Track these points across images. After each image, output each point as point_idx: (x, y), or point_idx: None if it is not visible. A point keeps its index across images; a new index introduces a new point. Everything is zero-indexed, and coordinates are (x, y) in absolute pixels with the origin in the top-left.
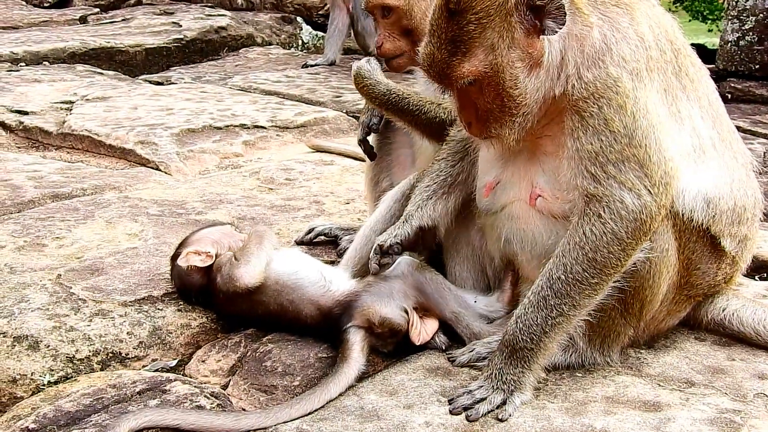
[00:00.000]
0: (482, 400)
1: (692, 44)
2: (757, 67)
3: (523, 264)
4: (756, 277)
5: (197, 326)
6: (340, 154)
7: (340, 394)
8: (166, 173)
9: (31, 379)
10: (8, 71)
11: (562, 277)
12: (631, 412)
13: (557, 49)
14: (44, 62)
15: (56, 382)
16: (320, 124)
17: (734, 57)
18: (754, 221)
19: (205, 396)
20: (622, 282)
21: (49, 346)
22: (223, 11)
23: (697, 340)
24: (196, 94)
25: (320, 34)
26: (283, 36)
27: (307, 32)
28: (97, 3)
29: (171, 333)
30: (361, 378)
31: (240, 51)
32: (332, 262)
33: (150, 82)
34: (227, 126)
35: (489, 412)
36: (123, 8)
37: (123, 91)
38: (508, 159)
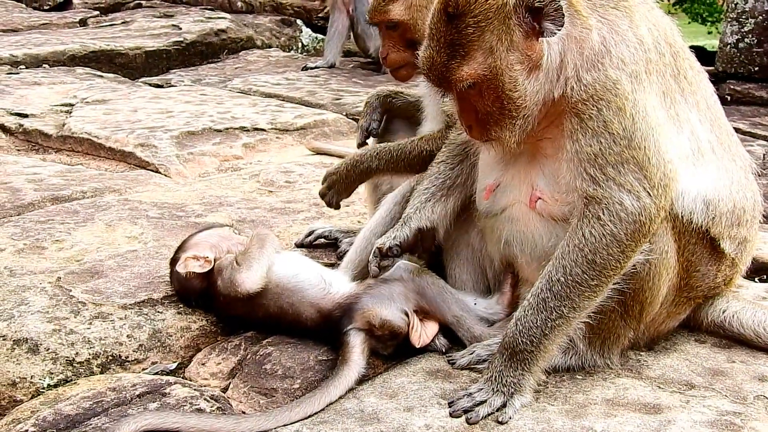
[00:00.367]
0: (482, 402)
1: (691, 46)
2: (756, 69)
3: (523, 266)
4: (756, 279)
5: (197, 329)
6: (340, 156)
7: (340, 397)
8: (165, 176)
9: (31, 383)
10: (8, 74)
11: (562, 279)
12: (631, 415)
13: (556, 52)
14: (44, 65)
15: (56, 386)
16: (320, 126)
17: (733, 59)
18: (754, 223)
19: (205, 399)
20: (621, 284)
21: (48, 349)
22: (223, 14)
23: (697, 342)
24: (195, 97)
25: (320, 36)
26: (282, 39)
27: (306, 35)
28: (97, 6)
29: (171, 336)
30: (361, 381)
31: (240, 54)
32: (332, 265)
33: (150, 84)
34: (227, 128)
35: (489, 415)
36: (123, 11)
37: (123, 93)
38: (508, 162)
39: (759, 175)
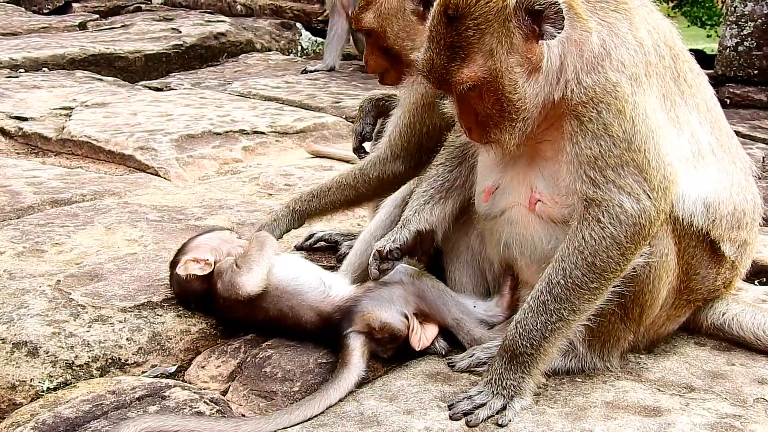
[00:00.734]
0: (482, 405)
1: (691, 49)
2: (755, 72)
3: (523, 268)
4: (755, 282)
5: (197, 332)
6: (339, 159)
7: (340, 400)
8: (165, 179)
9: (31, 386)
10: (8, 77)
11: (562, 281)
12: (631, 417)
13: (556, 54)
14: (44, 68)
15: (55, 389)
16: (319, 129)
17: (733, 62)
18: (754, 226)
19: (204, 402)
20: (621, 287)
21: (48, 352)
22: (222, 17)
23: (697, 344)
24: (195, 100)
25: (319, 39)
26: (282, 42)
27: (306, 38)
28: (97, 9)
29: (170, 339)
30: (361, 383)
31: (239, 57)
32: (332, 268)
33: (149, 88)
34: (226, 132)
35: (489, 418)
36: (122, 14)
37: (122, 97)
38: (507, 164)
39: (759, 178)
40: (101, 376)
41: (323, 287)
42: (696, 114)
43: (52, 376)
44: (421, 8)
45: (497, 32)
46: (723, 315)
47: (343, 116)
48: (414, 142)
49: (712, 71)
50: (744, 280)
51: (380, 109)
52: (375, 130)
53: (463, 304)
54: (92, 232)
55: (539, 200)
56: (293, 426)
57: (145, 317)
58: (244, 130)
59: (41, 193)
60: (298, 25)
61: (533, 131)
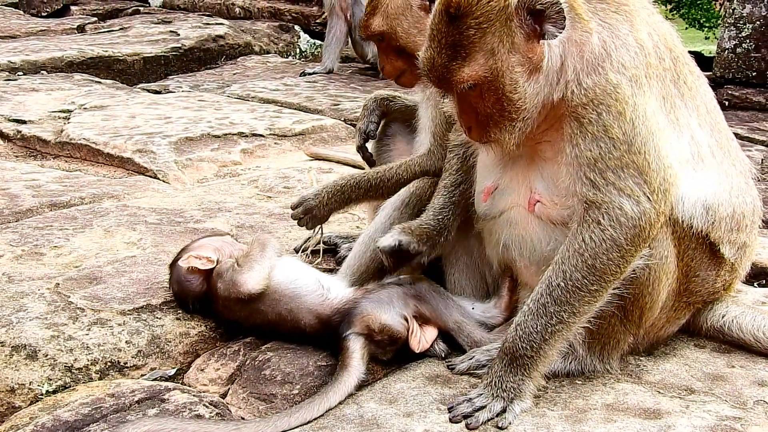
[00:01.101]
0: (482, 408)
1: (689, 52)
2: (754, 74)
3: (522, 270)
4: (755, 284)
5: (196, 335)
6: (338, 161)
7: (340, 403)
8: (164, 182)
9: (30, 389)
10: (6, 80)
11: (562, 284)
12: (631, 420)
13: (557, 55)
14: (42, 71)
15: (55, 392)
16: (318, 132)
17: (731, 64)
18: (753, 228)
19: (204, 405)
20: (621, 289)
21: (47, 355)
22: (220, 20)
23: (697, 347)
24: (194, 103)
25: (318, 42)
26: (281, 44)
27: (305, 40)
28: (95, 12)
29: (170, 342)
30: (361, 386)
31: (238, 59)
32: (331, 271)
33: (148, 90)
34: (225, 134)
35: (489, 420)
36: (121, 17)
37: (121, 99)
38: (507, 164)
39: (758, 180)
40: (100, 379)
41: (322, 290)
42: (696, 116)
43: (51, 380)
44: (427, 2)
45: (498, 31)
46: (723, 317)
47: (342, 119)
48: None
49: (710, 73)
50: (743, 282)
51: (384, 109)
52: (378, 130)
53: (462, 307)
54: (91, 235)
55: (538, 201)
56: (293, 429)
57: (145, 320)
58: (242, 133)
59: (40, 196)
60: (297, 27)
61: (533, 132)
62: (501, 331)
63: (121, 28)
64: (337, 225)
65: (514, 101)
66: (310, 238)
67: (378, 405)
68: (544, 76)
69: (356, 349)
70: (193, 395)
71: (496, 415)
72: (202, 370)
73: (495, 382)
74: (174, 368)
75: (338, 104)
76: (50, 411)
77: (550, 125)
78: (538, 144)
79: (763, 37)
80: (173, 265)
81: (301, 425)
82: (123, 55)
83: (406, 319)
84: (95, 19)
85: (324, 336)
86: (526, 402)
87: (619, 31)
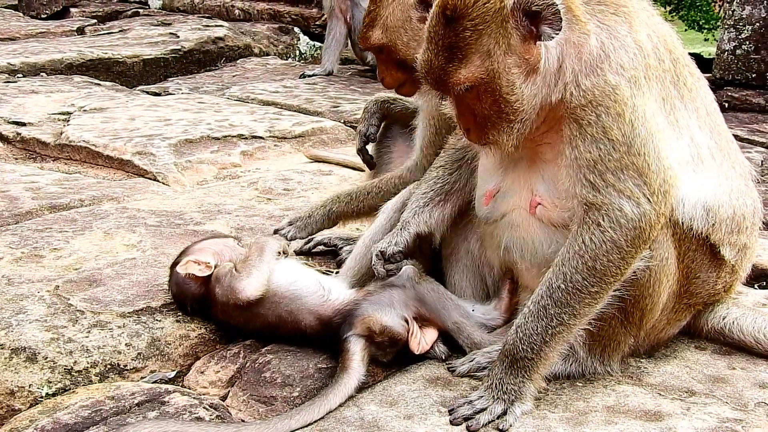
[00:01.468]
0: (483, 410)
1: (689, 53)
2: (753, 75)
3: (523, 272)
4: (755, 286)
5: (196, 337)
6: (338, 164)
7: (340, 405)
8: (164, 184)
9: (29, 392)
10: (5, 82)
11: (562, 286)
12: (632, 422)
13: (554, 56)
14: (42, 73)
15: (54, 395)
16: (318, 134)
17: (731, 66)
18: (754, 230)
19: (204, 407)
20: (622, 291)
21: (47, 357)
22: (220, 22)
23: (698, 349)
24: (193, 105)
25: (317, 44)
26: (280, 46)
27: (304, 42)
28: (95, 14)
29: (169, 344)
30: (361, 388)
31: (237, 61)
32: (331, 272)
33: (147, 92)
34: (225, 136)
35: (490, 423)
36: (120, 19)
37: (120, 101)
38: (508, 167)
39: (758, 182)
40: (100, 381)
41: (322, 291)
42: (695, 118)
43: (50, 382)
44: (427, 14)
45: (495, 33)
46: (723, 319)
47: (342, 121)
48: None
49: (710, 75)
50: (744, 284)
51: (385, 112)
52: (378, 132)
53: (463, 308)
54: (91, 237)
55: (540, 204)
56: (293, 431)
57: (144, 322)
58: (242, 135)
59: (39, 199)
60: (297, 29)
61: (533, 134)
62: (501, 332)
63: (120, 30)
64: (337, 227)
65: (512, 103)
66: (310, 239)
67: (378, 407)
68: (542, 77)
69: (357, 351)
70: (193, 397)
71: (497, 417)
72: (202, 372)
73: (496, 384)
74: (174, 371)
75: (338, 106)
76: (50, 414)
77: (550, 127)
78: (538, 146)
79: (762, 38)
80: (173, 267)
81: (301, 427)
82: (122, 57)
83: (407, 321)
84: (95, 21)
85: (324, 337)
86: (527, 404)
87: (617, 33)
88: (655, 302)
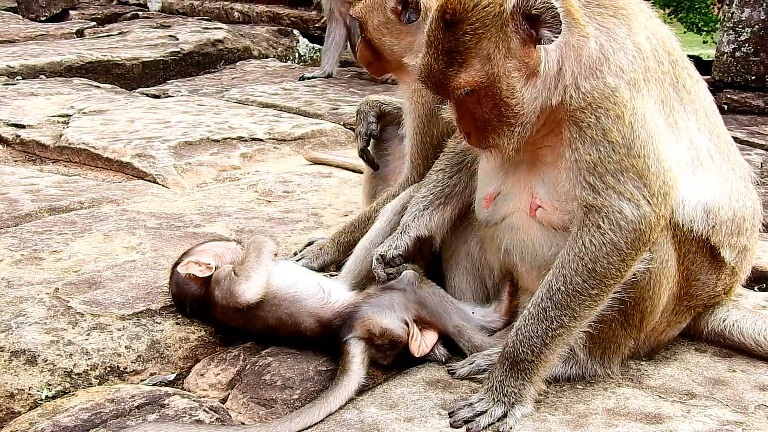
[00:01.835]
0: (483, 412)
1: (688, 56)
2: (753, 78)
3: (523, 275)
4: (755, 288)
5: (196, 339)
6: (337, 166)
7: (340, 408)
8: (163, 186)
9: (29, 394)
10: (5, 85)
11: (562, 288)
12: (632, 425)
13: (554, 59)
14: (41, 76)
15: (54, 397)
16: (318, 136)
17: (730, 68)
18: (754, 232)
19: (204, 410)
20: (622, 293)
21: (46, 360)
22: (219, 24)
23: (698, 351)
24: (193, 107)
25: (317, 46)
26: (279, 49)
27: (303, 45)
28: (94, 17)
29: (169, 346)
30: (361, 391)
31: (237, 64)
32: (331, 275)
33: (147, 95)
34: (224, 139)
35: (490, 425)
36: (120, 22)
37: (120, 104)
38: (508, 170)
39: (758, 184)
40: (100, 384)
41: (322, 293)
42: (695, 120)
43: (50, 385)
44: (400, 7)
45: (494, 37)
46: (723, 321)
47: (341, 123)
48: (431, 156)
49: (709, 77)
50: (744, 286)
51: (378, 111)
52: (378, 128)
53: (463, 312)
54: (90, 239)
55: (540, 206)
56: None
57: (144, 325)
58: (242, 137)
59: (39, 201)
60: (296, 31)
61: (533, 136)
62: (501, 335)
63: (119, 33)
64: (336, 229)
65: (512, 106)
66: (311, 242)
67: (378, 410)
68: (542, 80)
69: (357, 353)
70: (193, 400)
71: (497, 420)
72: (202, 375)
73: (496, 386)
74: (174, 373)
75: (337, 108)
76: (50, 416)
77: (550, 130)
78: (538, 149)
79: (761, 41)
80: (174, 268)
81: (301, 430)
82: (122, 60)
83: (407, 324)
84: (94, 23)
85: (324, 340)
86: (527, 407)
87: (616, 35)
88: (655, 304)
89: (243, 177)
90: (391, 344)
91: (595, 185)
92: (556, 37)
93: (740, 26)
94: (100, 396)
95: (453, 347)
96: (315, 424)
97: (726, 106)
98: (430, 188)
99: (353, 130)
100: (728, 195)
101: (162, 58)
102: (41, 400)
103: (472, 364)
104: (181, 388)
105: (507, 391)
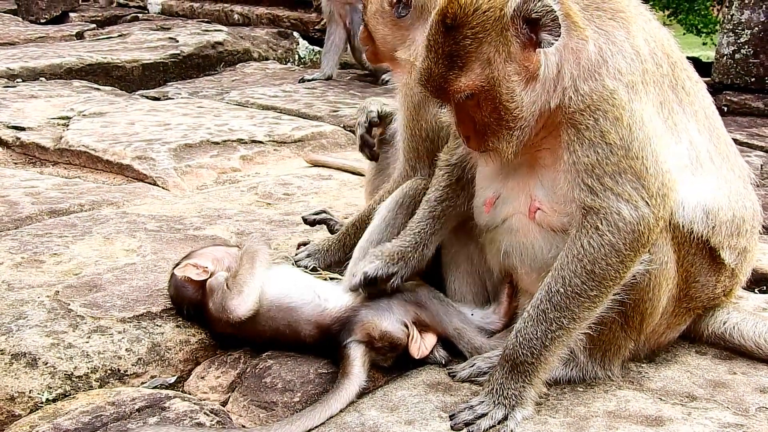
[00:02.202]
0: (483, 415)
1: (687, 57)
2: (752, 79)
3: (523, 277)
4: (755, 290)
5: (196, 342)
6: (338, 168)
7: (341, 411)
8: (163, 188)
9: (30, 397)
10: (5, 87)
11: (561, 290)
12: (633, 427)
13: (553, 62)
14: (41, 78)
15: (54, 400)
16: (318, 138)
17: (730, 70)
18: (753, 233)
19: (204, 413)
20: (621, 295)
21: (47, 363)
22: (219, 26)
23: (698, 353)
24: (193, 110)
25: (317, 48)
26: (279, 51)
27: (303, 47)
28: (94, 19)
29: (170, 349)
30: (362, 394)
31: (237, 66)
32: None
33: (147, 97)
34: (224, 141)
35: (490, 428)
36: (119, 24)
37: (120, 106)
38: (508, 173)
39: (757, 186)
40: (100, 387)
41: (318, 300)
42: (694, 121)
43: (51, 388)
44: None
45: (495, 41)
46: (724, 323)
47: (341, 125)
48: (422, 150)
49: (709, 79)
50: (744, 288)
51: (378, 106)
52: (378, 114)
53: (462, 313)
54: (91, 242)
55: (539, 209)
56: None
57: (145, 328)
58: (242, 139)
59: (39, 203)
60: (296, 34)
61: (532, 139)
62: (501, 337)
63: (119, 35)
64: (343, 218)
65: (512, 110)
66: (320, 212)
67: (379, 412)
68: (541, 84)
69: (357, 356)
70: (194, 403)
71: (498, 423)
72: (202, 377)
73: (496, 389)
74: (174, 376)
75: (337, 110)
76: (50, 419)
77: (549, 132)
78: (537, 151)
79: (761, 42)
80: (175, 268)
81: None
82: (122, 62)
83: (406, 326)
84: (94, 25)
85: (324, 344)
86: (528, 409)
87: (615, 38)
88: (655, 306)
89: (243, 179)
90: (391, 347)
91: (593, 187)
92: (556, 41)
93: (740, 28)
94: (101, 399)
95: (452, 350)
96: (316, 426)
97: (725, 108)
98: (426, 212)
99: (353, 132)
100: (728, 196)
101: (162, 61)
102: (42, 403)
103: (472, 366)
104: (182, 391)
105: (507, 393)
